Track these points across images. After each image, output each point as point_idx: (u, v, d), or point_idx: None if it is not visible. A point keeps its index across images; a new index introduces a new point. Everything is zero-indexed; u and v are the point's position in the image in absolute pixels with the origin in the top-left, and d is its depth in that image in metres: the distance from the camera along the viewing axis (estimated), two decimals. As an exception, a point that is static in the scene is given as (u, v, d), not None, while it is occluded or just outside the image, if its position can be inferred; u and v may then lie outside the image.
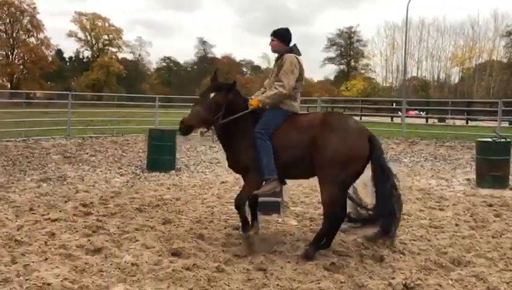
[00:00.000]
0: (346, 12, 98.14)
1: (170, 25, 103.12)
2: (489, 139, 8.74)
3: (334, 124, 4.38)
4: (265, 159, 4.38)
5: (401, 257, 4.37)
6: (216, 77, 4.76)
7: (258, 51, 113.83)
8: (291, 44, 4.76)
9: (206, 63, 76.86)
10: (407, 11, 26.89)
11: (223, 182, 8.36)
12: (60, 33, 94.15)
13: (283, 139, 4.42)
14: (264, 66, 69.49)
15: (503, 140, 8.65)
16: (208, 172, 9.69)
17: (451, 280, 3.82)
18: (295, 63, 4.56)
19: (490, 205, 6.67)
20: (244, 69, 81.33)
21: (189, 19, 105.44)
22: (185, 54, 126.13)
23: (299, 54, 4.72)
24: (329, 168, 4.24)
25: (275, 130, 4.47)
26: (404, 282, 3.69)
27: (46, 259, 4.05)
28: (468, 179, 8.99)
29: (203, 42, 77.46)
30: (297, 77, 4.59)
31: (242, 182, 8.27)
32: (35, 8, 58.16)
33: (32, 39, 60.25)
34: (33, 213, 5.68)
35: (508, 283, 3.71)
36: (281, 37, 4.73)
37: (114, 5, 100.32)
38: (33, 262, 3.93)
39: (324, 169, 4.27)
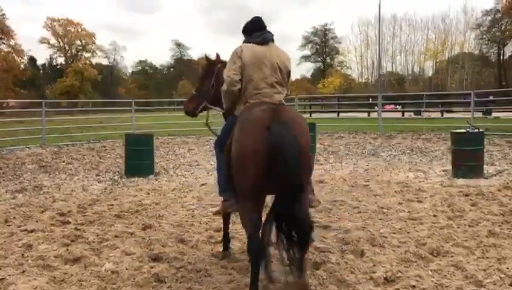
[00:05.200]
0: (310, 9, 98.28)
1: (132, 28, 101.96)
2: (464, 131, 8.92)
3: (241, 113, 3.66)
4: (219, 174, 4.00)
5: (381, 251, 4.42)
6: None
7: (228, 50, 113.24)
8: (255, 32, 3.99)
9: (182, 65, 76.56)
10: (379, 8, 27.26)
11: (202, 185, 8.32)
12: (29, 40, 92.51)
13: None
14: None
15: (476, 130, 8.84)
16: (187, 175, 9.63)
17: (431, 270, 3.88)
18: (236, 51, 3.84)
19: (466, 195, 6.80)
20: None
21: (151, 21, 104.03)
22: (153, 56, 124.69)
23: (257, 41, 3.90)
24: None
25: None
26: (385, 275, 3.73)
27: (24, 271, 3.96)
28: (444, 170, 9.15)
29: (178, 44, 77.05)
30: (240, 67, 3.78)
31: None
32: (3, 14, 57.02)
33: (3, 46, 59.02)
34: (8, 225, 5.55)
35: (484, 270, 3.79)
36: (242, 32, 4.12)
37: (72, 11, 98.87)
38: (10, 275, 3.84)
39: None
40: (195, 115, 4.65)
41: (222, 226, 4.55)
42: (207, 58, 4.66)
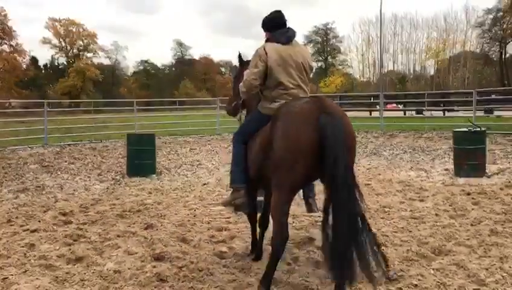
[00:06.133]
0: (311, 9, 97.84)
1: (132, 28, 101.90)
2: (466, 129, 8.90)
3: (280, 109, 3.55)
4: (234, 166, 3.99)
5: (383, 250, 4.40)
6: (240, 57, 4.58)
7: (227, 50, 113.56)
8: (281, 29, 3.93)
9: (184, 65, 76.58)
10: (381, 7, 27.22)
11: (204, 184, 8.33)
12: (30, 40, 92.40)
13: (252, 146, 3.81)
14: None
15: (478, 129, 8.82)
16: (189, 174, 9.63)
17: (433, 269, 3.88)
18: (259, 53, 3.79)
19: (468, 194, 6.78)
20: (223, 70, 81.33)
21: (151, 22, 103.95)
22: (154, 56, 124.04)
23: (281, 41, 3.85)
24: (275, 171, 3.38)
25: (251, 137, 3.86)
26: (387, 274, 3.72)
27: (26, 271, 3.97)
28: (446, 169, 9.13)
29: (180, 44, 77.07)
30: (264, 71, 3.76)
31: (225, 183, 8.31)
32: (6, 15, 57.14)
33: (5, 47, 59.16)
34: (11, 225, 5.56)
35: (487, 269, 3.79)
36: (263, 27, 4.05)
37: (72, 12, 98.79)
38: (12, 275, 3.85)
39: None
40: (235, 115, 4.65)
41: (250, 230, 4.41)
42: (240, 58, 4.60)
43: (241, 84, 3.97)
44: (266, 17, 4.03)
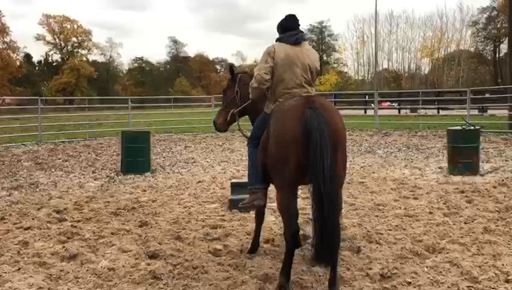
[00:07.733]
0: (305, 6, 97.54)
1: (124, 26, 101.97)
2: (460, 128, 8.94)
3: (274, 108, 3.79)
4: (250, 169, 4.11)
5: (377, 247, 4.43)
6: (231, 69, 4.72)
7: (222, 48, 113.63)
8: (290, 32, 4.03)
9: (179, 62, 76.42)
10: (376, 4, 27.28)
11: (199, 182, 8.31)
12: (24, 37, 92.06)
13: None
14: (237, 63, 69.51)
15: (472, 128, 8.86)
16: (183, 172, 9.62)
17: (427, 267, 3.90)
18: (268, 51, 3.93)
19: (462, 192, 6.82)
20: (218, 67, 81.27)
21: (142, 18, 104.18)
22: (146, 54, 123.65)
23: (290, 42, 3.96)
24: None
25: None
26: (381, 272, 3.74)
27: (19, 269, 3.95)
28: (440, 167, 9.18)
29: (174, 41, 76.88)
30: (271, 66, 3.88)
31: (219, 181, 8.30)
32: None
33: (-2, 43, 58.76)
34: (4, 222, 5.53)
35: (480, 267, 3.81)
36: (277, 29, 4.14)
37: (64, 9, 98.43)
38: (5, 273, 3.82)
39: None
40: (226, 129, 4.71)
41: (254, 227, 4.50)
42: (231, 68, 4.75)
43: (252, 80, 4.04)
44: (281, 20, 4.14)
